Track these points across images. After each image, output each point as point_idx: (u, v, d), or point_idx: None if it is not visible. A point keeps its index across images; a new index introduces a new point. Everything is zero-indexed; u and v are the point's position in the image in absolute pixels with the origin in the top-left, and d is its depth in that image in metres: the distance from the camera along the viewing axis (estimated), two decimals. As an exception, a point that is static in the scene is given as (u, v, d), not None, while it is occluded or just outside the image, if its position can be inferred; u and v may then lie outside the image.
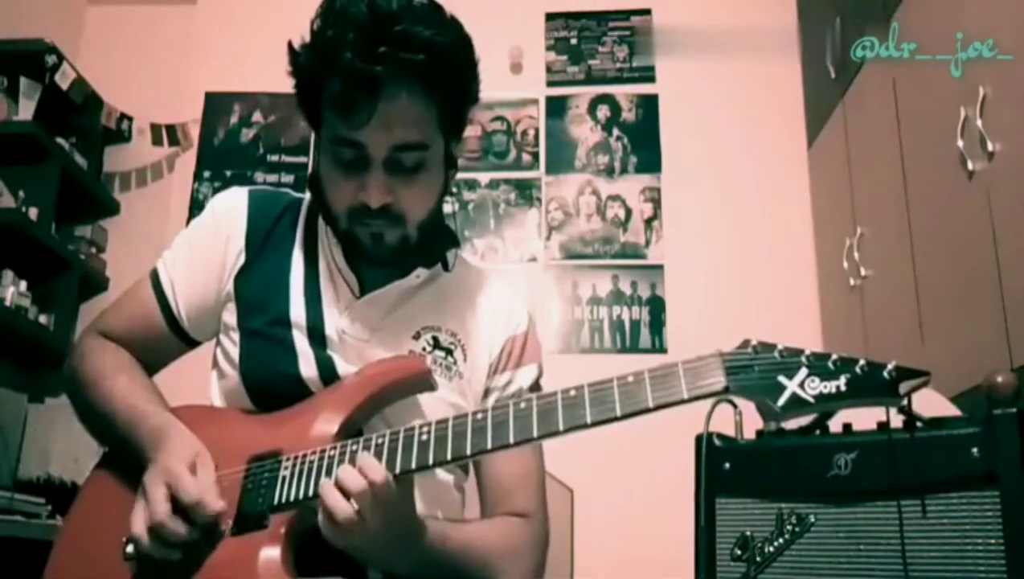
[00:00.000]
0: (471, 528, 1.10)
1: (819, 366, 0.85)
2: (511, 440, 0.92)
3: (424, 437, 0.95)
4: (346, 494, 0.90)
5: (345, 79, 1.00)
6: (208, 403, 1.18)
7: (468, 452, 0.93)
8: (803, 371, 0.85)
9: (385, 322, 1.15)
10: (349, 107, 1.02)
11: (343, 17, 1.02)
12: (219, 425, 1.08)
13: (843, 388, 0.84)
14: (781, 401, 0.84)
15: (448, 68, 1.04)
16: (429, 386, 1.09)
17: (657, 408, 0.88)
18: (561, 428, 0.90)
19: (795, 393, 0.84)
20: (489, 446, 0.93)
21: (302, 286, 1.16)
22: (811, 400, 0.84)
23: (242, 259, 1.18)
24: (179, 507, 0.95)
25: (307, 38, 1.07)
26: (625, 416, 0.88)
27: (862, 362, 0.85)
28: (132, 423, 1.06)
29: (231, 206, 1.21)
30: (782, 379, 0.85)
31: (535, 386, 1.21)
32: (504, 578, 1.08)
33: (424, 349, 1.14)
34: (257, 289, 1.16)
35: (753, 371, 0.86)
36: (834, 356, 0.86)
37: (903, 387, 0.84)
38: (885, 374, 0.84)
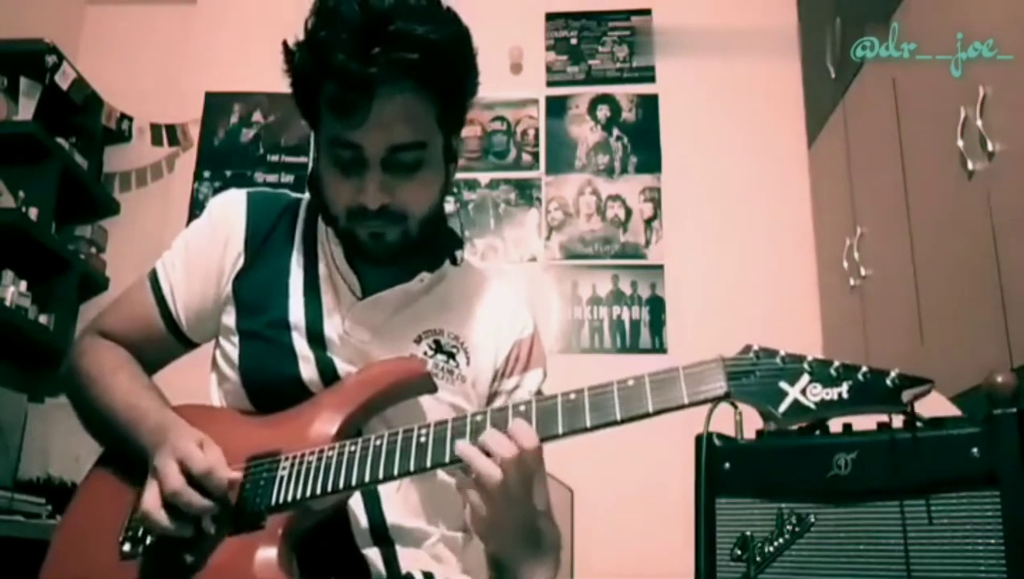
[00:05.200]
0: None
1: (821, 373, 0.85)
2: None
3: (423, 439, 0.95)
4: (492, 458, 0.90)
5: (339, 81, 1.00)
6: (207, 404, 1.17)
7: None
8: (805, 378, 0.85)
9: (387, 325, 1.14)
10: (344, 108, 1.01)
11: (335, 17, 1.01)
12: (218, 425, 1.07)
13: (845, 395, 0.84)
14: (783, 407, 0.84)
15: (444, 64, 1.03)
16: (430, 388, 1.08)
17: (657, 413, 0.88)
18: (561, 431, 0.90)
19: (797, 399, 0.84)
20: None
21: (301, 288, 1.15)
22: (813, 406, 0.84)
23: (241, 261, 1.17)
24: (191, 481, 0.95)
25: (302, 38, 1.06)
26: (625, 420, 0.88)
27: (864, 369, 0.84)
28: (133, 422, 1.06)
29: (229, 208, 1.20)
30: (784, 385, 0.85)
31: (539, 392, 1.20)
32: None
33: (426, 353, 1.13)
34: (256, 291, 1.15)
35: (754, 377, 0.86)
36: (836, 363, 0.85)
37: (906, 395, 0.83)
38: (888, 382, 0.84)
